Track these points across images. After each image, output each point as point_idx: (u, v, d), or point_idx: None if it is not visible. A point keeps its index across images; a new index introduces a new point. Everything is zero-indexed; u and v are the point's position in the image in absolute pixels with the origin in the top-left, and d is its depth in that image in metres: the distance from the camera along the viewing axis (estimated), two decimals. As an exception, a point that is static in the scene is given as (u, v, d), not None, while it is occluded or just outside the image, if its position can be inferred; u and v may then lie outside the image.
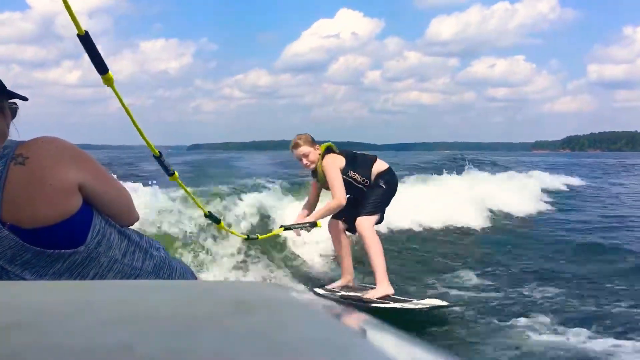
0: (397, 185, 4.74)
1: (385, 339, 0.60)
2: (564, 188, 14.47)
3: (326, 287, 4.88)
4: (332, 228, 4.87)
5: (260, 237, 4.71)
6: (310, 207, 4.85)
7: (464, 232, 7.95)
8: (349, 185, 4.54)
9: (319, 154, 4.58)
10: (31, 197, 1.22)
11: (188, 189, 3.06)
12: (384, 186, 4.56)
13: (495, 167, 18.11)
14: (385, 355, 0.50)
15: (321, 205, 4.73)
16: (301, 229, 4.57)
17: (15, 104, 1.40)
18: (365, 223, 4.47)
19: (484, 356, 3.43)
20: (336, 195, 4.42)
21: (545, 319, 3.98)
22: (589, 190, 15.20)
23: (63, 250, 1.28)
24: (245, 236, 4.66)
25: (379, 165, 4.65)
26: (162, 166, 2.50)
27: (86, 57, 1.72)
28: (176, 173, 2.65)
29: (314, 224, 4.51)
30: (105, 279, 1.35)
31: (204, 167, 16.83)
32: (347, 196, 4.56)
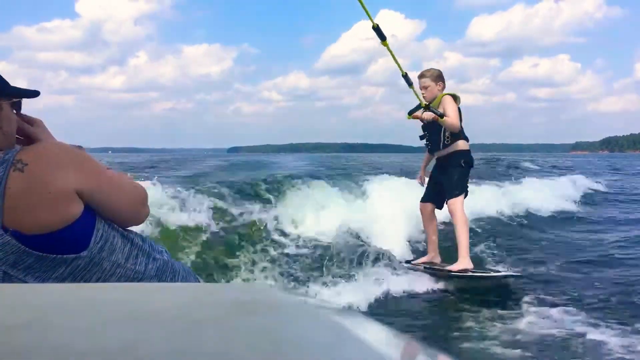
0: (472, 164, 5.18)
1: (382, 339, 0.61)
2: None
3: (412, 262, 5.38)
4: (423, 210, 5.35)
5: (413, 87, 4.88)
6: None
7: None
8: (439, 131, 4.99)
9: (438, 91, 4.99)
10: (31, 204, 1.22)
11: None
12: (463, 165, 5.02)
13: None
14: (383, 356, 0.51)
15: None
16: (434, 112, 4.84)
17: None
18: (456, 204, 4.93)
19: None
20: (452, 118, 4.81)
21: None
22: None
23: (66, 255, 1.27)
24: (404, 73, 4.76)
25: (466, 145, 5.09)
26: (377, 34, 3.89)
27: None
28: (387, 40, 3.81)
29: (442, 115, 4.79)
30: None
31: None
32: (431, 168, 5.19)
